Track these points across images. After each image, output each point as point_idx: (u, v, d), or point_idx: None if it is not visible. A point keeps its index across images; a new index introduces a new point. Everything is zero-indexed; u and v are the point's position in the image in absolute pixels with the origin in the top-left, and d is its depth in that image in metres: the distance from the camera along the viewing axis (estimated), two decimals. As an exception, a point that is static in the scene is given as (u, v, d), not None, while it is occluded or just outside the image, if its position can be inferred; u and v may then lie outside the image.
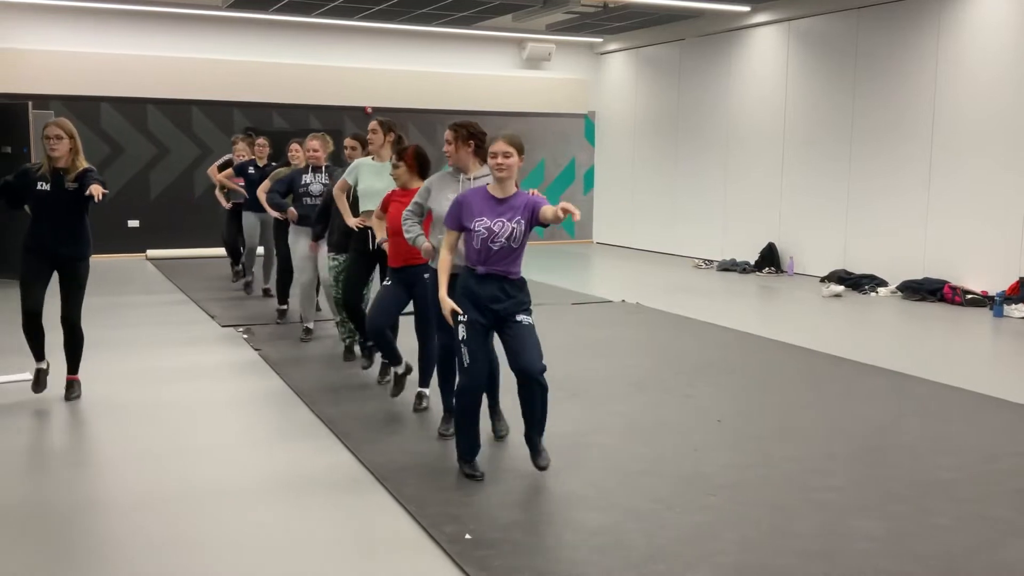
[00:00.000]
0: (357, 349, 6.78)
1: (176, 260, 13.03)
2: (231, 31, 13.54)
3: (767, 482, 4.35)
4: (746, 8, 12.49)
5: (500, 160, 4.15)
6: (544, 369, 4.23)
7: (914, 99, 10.53)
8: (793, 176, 12.24)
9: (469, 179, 4.74)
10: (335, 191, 6.27)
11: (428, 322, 5.26)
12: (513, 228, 4.15)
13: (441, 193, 4.76)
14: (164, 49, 13.17)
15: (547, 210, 4.11)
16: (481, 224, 4.17)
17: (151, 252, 13.25)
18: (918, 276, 10.38)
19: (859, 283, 10.79)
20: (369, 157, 6.17)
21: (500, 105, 15.07)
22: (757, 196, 12.82)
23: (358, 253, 6.03)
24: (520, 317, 4.21)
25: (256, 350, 7.13)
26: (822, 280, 11.33)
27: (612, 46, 15.60)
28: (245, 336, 7.66)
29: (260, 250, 9.70)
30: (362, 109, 14.21)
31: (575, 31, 14.77)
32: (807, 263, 12.08)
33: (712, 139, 13.58)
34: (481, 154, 4.74)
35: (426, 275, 5.16)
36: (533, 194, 4.27)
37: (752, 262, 12.61)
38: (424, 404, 5.51)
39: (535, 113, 15.60)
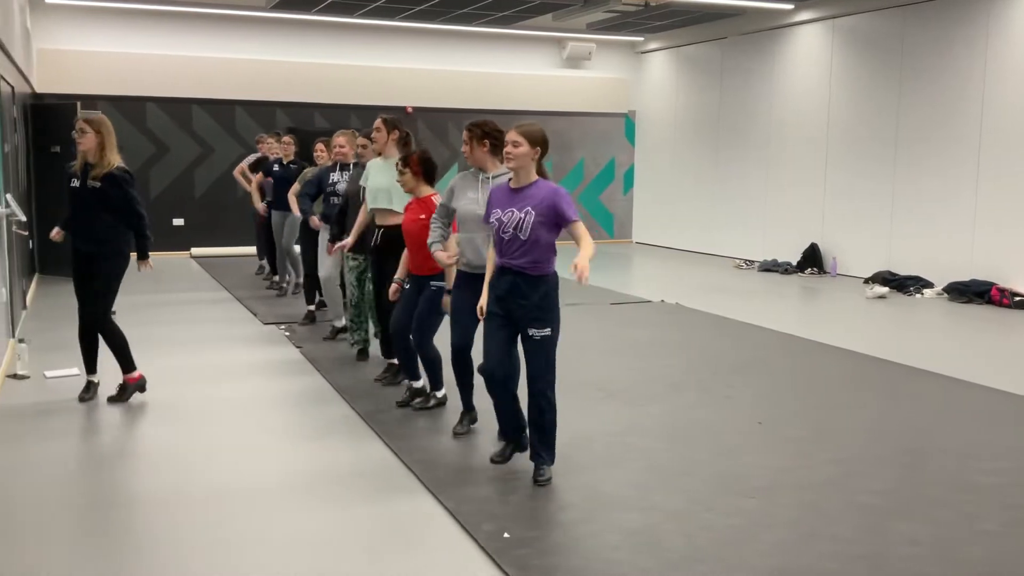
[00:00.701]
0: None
1: (219, 258, 13.22)
2: (274, 32, 13.69)
3: (807, 485, 4.31)
4: (789, 6, 12.36)
5: (508, 149, 4.19)
6: (545, 387, 4.19)
7: (962, 99, 10.34)
8: (837, 176, 12.09)
9: (488, 178, 4.79)
10: (362, 208, 6.24)
11: (419, 326, 5.26)
12: (521, 218, 4.12)
13: (463, 193, 4.82)
14: (209, 50, 13.37)
15: (574, 233, 4.10)
16: (495, 216, 4.22)
17: (195, 250, 13.46)
18: (965, 278, 10.19)
19: (904, 284, 10.63)
20: (379, 156, 6.18)
21: (540, 105, 15.07)
22: (800, 196, 12.68)
23: (380, 262, 6.01)
24: (532, 331, 4.17)
25: (297, 348, 7.20)
26: (866, 281, 11.17)
27: (653, 45, 15.53)
28: (287, 334, 7.75)
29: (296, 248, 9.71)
30: (403, 109, 14.29)
31: (616, 30, 14.72)
32: (850, 264, 11.92)
33: (754, 138, 13.46)
34: (498, 152, 4.77)
35: (432, 283, 5.20)
36: (555, 188, 4.16)
37: (794, 263, 12.48)
38: (431, 403, 5.51)
39: (575, 112, 15.58)
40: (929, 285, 10.51)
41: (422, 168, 5.28)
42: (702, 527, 3.79)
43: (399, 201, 5.74)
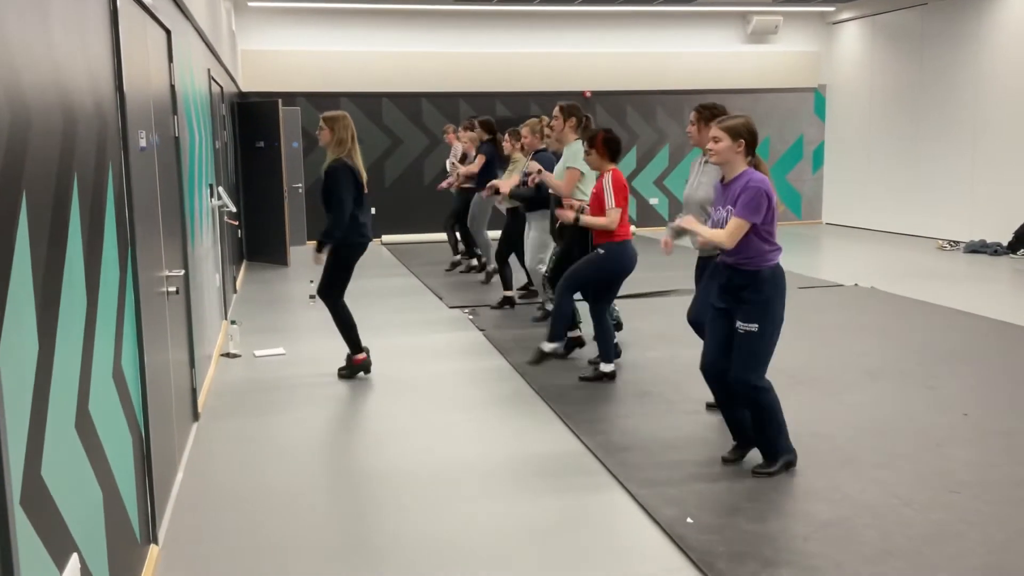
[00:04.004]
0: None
1: (407, 245, 13.75)
2: (456, 24, 14.03)
3: (1018, 481, 4.01)
4: (999, -35, 11.41)
5: (710, 145, 4.10)
6: (747, 383, 4.04)
7: None
8: (1054, 147, 11.07)
9: (706, 160, 4.85)
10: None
11: (594, 299, 5.67)
12: (723, 217, 4.04)
13: (692, 175, 5.00)
14: (397, 45, 13.87)
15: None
16: (714, 214, 4.17)
17: (385, 237, 14.05)
18: None
19: None
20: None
21: (722, 83, 14.68)
22: (1011, 171, 11.71)
23: (569, 243, 6.14)
24: (738, 324, 4.05)
25: (480, 330, 7.39)
26: (1089, 262, 10.21)
27: (845, 14, 14.75)
28: (471, 317, 7.96)
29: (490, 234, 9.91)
30: (581, 94, 14.30)
31: (805, 1, 14.09)
32: (1070, 243, 10.90)
33: (958, 111, 12.54)
34: None
35: (600, 250, 5.53)
36: (748, 182, 3.95)
37: (1004, 243, 11.56)
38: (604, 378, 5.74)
39: (761, 89, 15.06)
40: None
41: (606, 148, 5.57)
42: (900, 522, 3.61)
43: (581, 191, 5.94)
